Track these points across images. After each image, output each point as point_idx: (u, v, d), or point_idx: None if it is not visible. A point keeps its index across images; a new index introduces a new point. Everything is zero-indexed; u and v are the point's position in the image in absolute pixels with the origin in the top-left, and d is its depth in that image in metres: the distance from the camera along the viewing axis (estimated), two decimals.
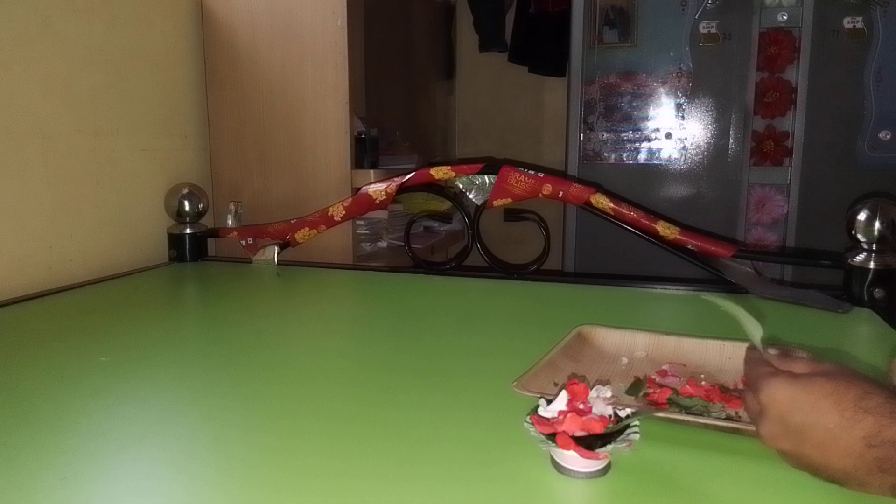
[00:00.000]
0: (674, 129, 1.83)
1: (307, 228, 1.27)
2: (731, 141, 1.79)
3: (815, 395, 0.43)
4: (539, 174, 1.13)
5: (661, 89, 1.83)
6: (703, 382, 0.63)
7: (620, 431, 0.47)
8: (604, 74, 1.86)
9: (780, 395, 0.44)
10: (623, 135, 1.87)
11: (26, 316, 0.96)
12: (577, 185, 1.12)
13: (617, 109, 1.87)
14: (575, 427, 0.46)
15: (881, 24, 1.65)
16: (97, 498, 0.47)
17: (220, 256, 1.41)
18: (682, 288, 1.05)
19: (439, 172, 1.17)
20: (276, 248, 1.27)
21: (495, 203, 1.14)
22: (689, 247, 1.06)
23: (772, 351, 0.51)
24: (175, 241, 1.32)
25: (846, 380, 0.43)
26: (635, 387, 0.63)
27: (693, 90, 1.80)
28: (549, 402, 0.50)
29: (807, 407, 0.43)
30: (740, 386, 0.63)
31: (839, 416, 0.41)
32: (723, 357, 0.69)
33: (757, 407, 0.47)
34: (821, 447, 0.42)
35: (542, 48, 2.34)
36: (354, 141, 1.37)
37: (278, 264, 1.26)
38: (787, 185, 1.76)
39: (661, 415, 0.54)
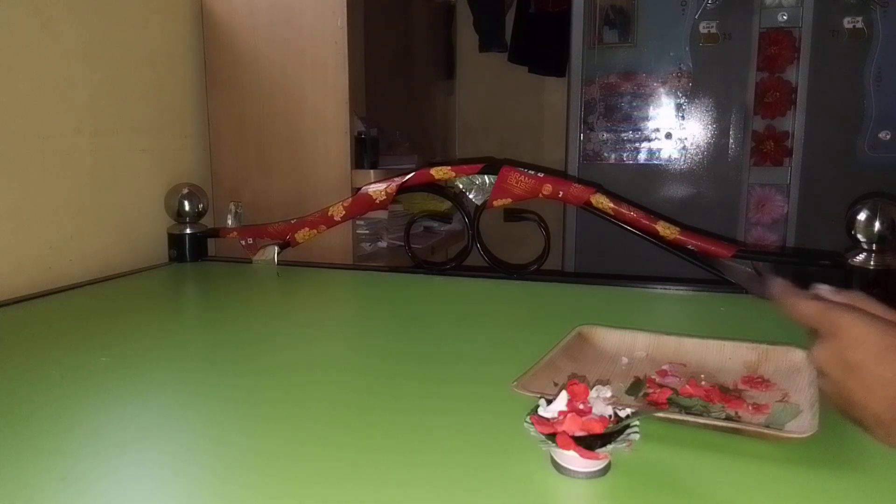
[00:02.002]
0: (674, 129, 1.83)
1: (307, 228, 1.27)
2: (731, 141, 1.79)
3: (885, 342, 0.43)
4: (539, 174, 1.13)
5: (661, 89, 1.83)
6: (703, 382, 0.63)
7: (620, 431, 0.47)
8: (604, 74, 1.86)
9: (852, 328, 0.45)
10: (623, 135, 1.87)
11: (26, 316, 0.96)
12: (577, 185, 1.12)
13: (617, 109, 1.87)
14: (575, 427, 0.47)
15: (881, 24, 1.65)
16: (98, 499, 0.47)
17: (220, 256, 1.41)
18: (682, 288, 1.05)
19: (439, 172, 1.17)
20: (276, 248, 1.27)
21: (495, 203, 1.14)
22: (689, 247, 1.06)
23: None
24: (175, 241, 1.32)
25: None
26: (635, 387, 0.63)
27: (693, 90, 1.80)
28: (549, 402, 0.50)
29: (873, 350, 0.43)
30: (740, 386, 0.63)
31: None
32: (723, 357, 0.69)
33: (825, 325, 0.47)
34: (868, 389, 0.43)
35: (542, 48, 2.34)
36: (354, 141, 1.37)
37: (278, 264, 1.26)
38: (787, 185, 1.76)
39: (661, 415, 0.54)
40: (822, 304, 0.48)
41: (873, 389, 0.43)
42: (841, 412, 0.46)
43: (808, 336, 0.49)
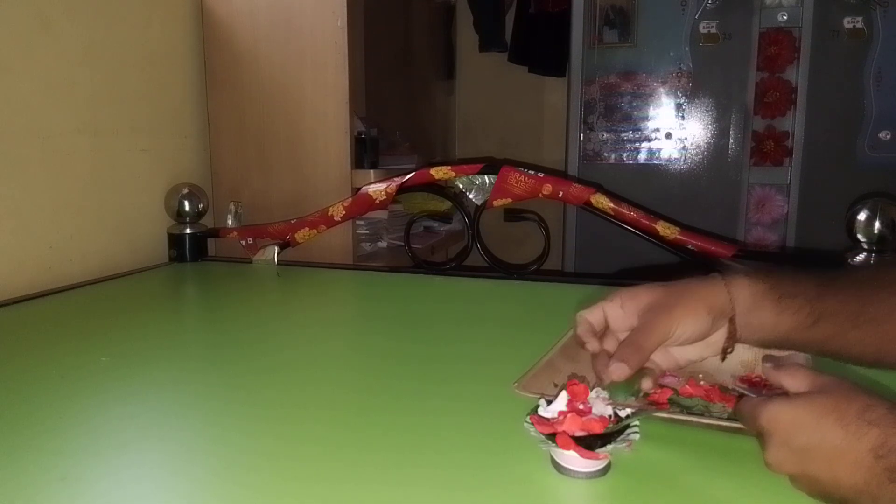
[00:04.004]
0: (674, 129, 1.83)
1: (307, 228, 1.27)
2: (731, 141, 1.79)
3: (816, 413, 0.42)
4: (539, 174, 1.13)
5: (661, 89, 1.83)
6: (702, 382, 0.63)
7: (620, 431, 0.47)
8: (604, 74, 1.86)
9: (780, 419, 0.43)
10: (623, 135, 1.87)
11: (26, 316, 0.96)
12: (577, 185, 1.12)
13: (617, 109, 1.87)
14: (575, 427, 0.47)
15: (881, 24, 1.65)
16: (98, 499, 0.47)
17: (220, 256, 1.41)
18: None
19: (439, 172, 1.17)
20: (276, 248, 1.27)
21: (495, 203, 1.15)
22: (689, 247, 1.06)
23: (767, 364, 0.50)
24: (175, 241, 1.32)
25: (846, 394, 0.43)
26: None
27: (693, 90, 1.80)
28: (549, 402, 0.50)
29: (810, 427, 0.42)
30: (739, 385, 0.63)
31: (843, 430, 0.41)
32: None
33: (758, 429, 0.45)
34: (829, 465, 0.41)
35: (542, 48, 2.35)
36: (354, 141, 1.37)
37: (278, 264, 1.26)
38: (787, 185, 1.76)
39: (661, 415, 0.54)
40: (749, 406, 0.46)
41: (833, 462, 0.41)
42: (829, 501, 0.43)
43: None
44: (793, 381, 0.46)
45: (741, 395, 0.49)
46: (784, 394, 0.46)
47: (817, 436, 0.41)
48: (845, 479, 0.41)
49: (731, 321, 0.55)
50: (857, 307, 0.53)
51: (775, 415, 0.44)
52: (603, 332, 0.59)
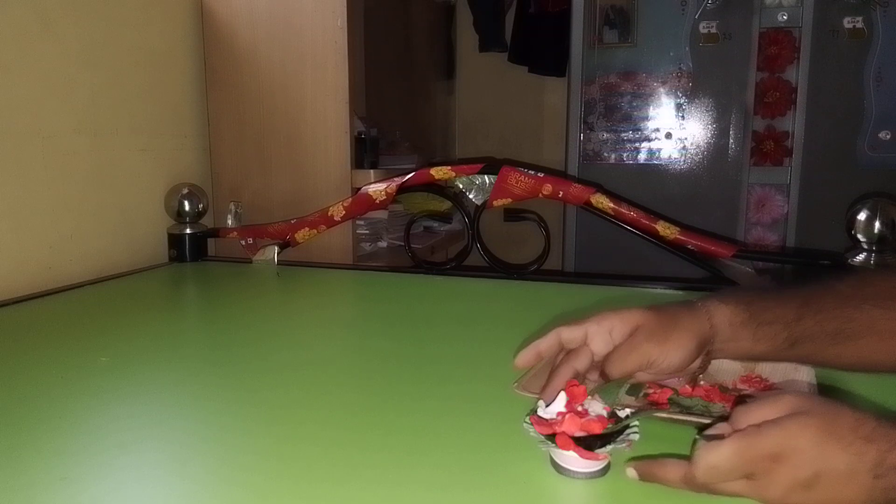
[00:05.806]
0: (674, 129, 1.83)
1: (307, 228, 1.27)
2: (731, 141, 1.79)
3: (814, 438, 0.40)
4: (539, 174, 1.13)
5: (661, 89, 1.83)
6: (703, 382, 0.63)
7: (620, 432, 0.47)
8: (604, 74, 1.86)
9: (777, 452, 0.40)
10: (623, 135, 1.87)
11: (26, 316, 0.96)
12: (577, 185, 1.12)
13: (617, 109, 1.87)
14: (574, 428, 0.47)
15: (881, 24, 1.65)
16: (98, 499, 0.47)
17: (220, 256, 1.41)
18: (681, 288, 1.05)
19: (439, 172, 1.17)
20: (276, 248, 1.27)
21: (495, 203, 1.15)
22: (689, 247, 1.06)
23: (739, 407, 0.45)
24: (175, 241, 1.32)
25: (832, 410, 0.41)
26: (636, 387, 0.63)
27: (693, 90, 1.80)
28: (547, 403, 0.50)
29: (811, 454, 0.39)
30: (739, 385, 0.63)
31: (845, 453, 0.39)
32: None
33: (751, 465, 0.41)
34: (836, 490, 0.39)
35: (542, 48, 2.35)
36: (354, 141, 1.37)
37: (278, 264, 1.26)
38: (787, 185, 1.76)
39: (661, 415, 0.54)
40: (732, 448, 0.41)
41: (840, 487, 0.39)
42: None
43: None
44: (766, 412, 0.42)
45: (712, 436, 0.43)
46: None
47: (823, 463, 0.39)
48: (853, 502, 0.39)
49: (707, 353, 0.56)
50: (837, 325, 0.54)
51: (768, 449, 0.40)
52: (571, 351, 0.58)
